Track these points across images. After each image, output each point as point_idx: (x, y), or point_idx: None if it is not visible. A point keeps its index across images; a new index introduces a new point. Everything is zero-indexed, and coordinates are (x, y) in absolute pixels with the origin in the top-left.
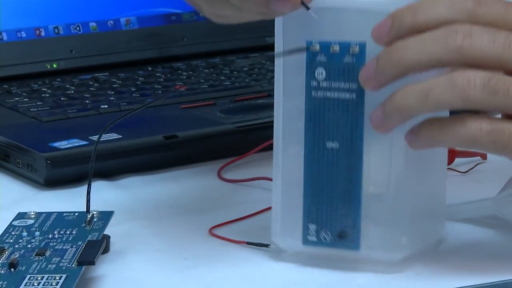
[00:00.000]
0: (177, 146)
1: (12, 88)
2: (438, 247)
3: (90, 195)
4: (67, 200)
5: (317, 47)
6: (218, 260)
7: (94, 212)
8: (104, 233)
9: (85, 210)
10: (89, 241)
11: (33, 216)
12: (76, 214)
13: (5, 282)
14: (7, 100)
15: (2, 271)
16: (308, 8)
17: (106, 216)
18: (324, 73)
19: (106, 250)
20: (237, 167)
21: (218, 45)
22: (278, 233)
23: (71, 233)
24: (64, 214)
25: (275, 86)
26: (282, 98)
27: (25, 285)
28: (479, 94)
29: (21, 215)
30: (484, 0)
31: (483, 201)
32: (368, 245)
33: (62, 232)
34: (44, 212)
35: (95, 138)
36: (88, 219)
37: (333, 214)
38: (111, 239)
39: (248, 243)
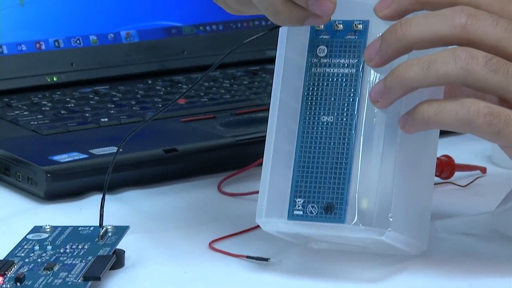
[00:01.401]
0: (177, 160)
1: (12, 101)
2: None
3: (90, 208)
4: (67, 214)
5: (321, 26)
6: (218, 274)
7: (109, 227)
8: (120, 247)
9: (89, 223)
10: (99, 256)
11: (48, 229)
12: (91, 228)
13: None
14: (8, 113)
15: (8, 286)
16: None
17: (120, 230)
18: (325, 50)
19: (120, 265)
20: (237, 180)
21: (218, 58)
22: (264, 211)
23: (83, 248)
24: (80, 229)
25: (275, 68)
26: (281, 78)
27: None
28: (480, 69)
29: (36, 229)
30: None
31: (482, 215)
32: (354, 220)
33: (74, 246)
34: (60, 226)
35: (95, 151)
36: (101, 233)
37: (321, 188)
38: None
39: (248, 257)
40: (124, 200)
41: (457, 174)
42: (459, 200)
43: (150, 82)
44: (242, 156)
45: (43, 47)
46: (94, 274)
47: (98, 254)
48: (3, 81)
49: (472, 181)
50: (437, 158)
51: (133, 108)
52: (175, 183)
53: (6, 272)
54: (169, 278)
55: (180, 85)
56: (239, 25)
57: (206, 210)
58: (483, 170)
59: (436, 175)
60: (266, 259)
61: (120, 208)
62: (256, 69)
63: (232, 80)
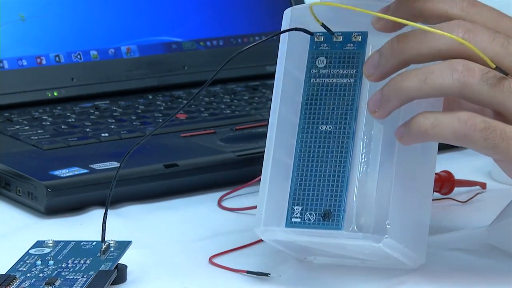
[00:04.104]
0: (177, 175)
1: (13, 116)
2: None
3: (90, 223)
4: (67, 229)
5: (321, 38)
6: None
7: (111, 242)
8: (121, 262)
9: (89, 238)
10: (100, 271)
11: (50, 244)
12: (94, 243)
13: None
14: (8, 128)
15: None
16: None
17: (123, 245)
18: (325, 61)
19: (122, 280)
20: (237, 196)
21: (218, 74)
22: (262, 219)
23: (84, 263)
24: (82, 243)
25: (275, 82)
26: (281, 92)
27: None
28: (476, 82)
29: (38, 243)
30: (478, 3)
31: (478, 230)
32: (351, 227)
33: (76, 261)
34: (62, 241)
35: (95, 166)
36: (103, 248)
37: (319, 195)
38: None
39: (248, 272)
40: (124, 215)
41: (457, 189)
42: (458, 216)
43: (150, 97)
44: (243, 171)
45: (43, 62)
46: None
47: (100, 269)
48: (3, 95)
49: (472, 197)
50: (437, 173)
51: (134, 123)
52: (175, 198)
53: (8, 287)
54: None
55: (180, 100)
56: (240, 41)
57: (206, 225)
58: (483, 185)
59: (435, 191)
60: (266, 274)
61: (121, 223)
62: (256, 84)
63: (232, 95)
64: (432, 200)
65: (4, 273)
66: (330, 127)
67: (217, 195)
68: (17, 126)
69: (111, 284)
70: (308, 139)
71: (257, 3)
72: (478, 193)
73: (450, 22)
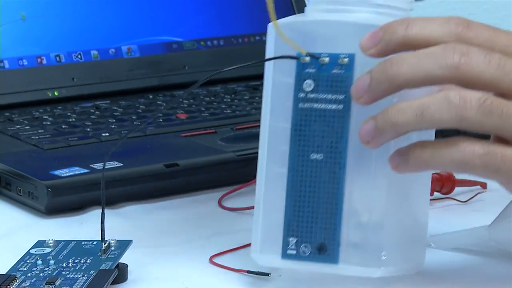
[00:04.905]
0: (177, 175)
1: (13, 116)
2: (417, 272)
3: (91, 223)
4: (68, 228)
5: (307, 59)
6: None
7: (112, 241)
8: (122, 261)
9: (90, 238)
10: (100, 270)
11: (51, 244)
12: (94, 243)
13: None
14: (9, 128)
15: None
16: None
17: (123, 245)
18: (312, 85)
19: (123, 279)
20: (238, 195)
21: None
22: (258, 248)
23: (85, 262)
24: (83, 243)
25: (262, 106)
26: (269, 118)
27: None
28: (474, 114)
29: (39, 243)
30: (474, 24)
31: (478, 229)
32: (347, 260)
33: (76, 261)
34: (63, 241)
35: (96, 166)
36: (103, 247)
37: (313, 227)
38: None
39: (249, 271)
40: (125, 215)
41: (457, 189)
42: (459, 216)
43: (151, 97)
44: (243, 171)
45: (44, 61)
46: None
47: (100, 268)
48: (4, 95)
49: (473, 197)
50: (437, 173)
51: (134, 123)
52: (176, 198)
53: (8, 287)
54: None
55: (181, 100)
56: (240, 40)
57: (207, 225)
58: (484, 185)
59: (436, 190)
60: (267, 274)
61: (121, 222)
62: (257, 84)
63: (233, 95)
64: (433, 199)
65: (4, 273)
66: (321, 156)
67: (217, 194)
68: (18, 126)
69: (112, 284)
70: (299, 168)
71: (257, 3)
72: (478, 193)
73: (445, 46)
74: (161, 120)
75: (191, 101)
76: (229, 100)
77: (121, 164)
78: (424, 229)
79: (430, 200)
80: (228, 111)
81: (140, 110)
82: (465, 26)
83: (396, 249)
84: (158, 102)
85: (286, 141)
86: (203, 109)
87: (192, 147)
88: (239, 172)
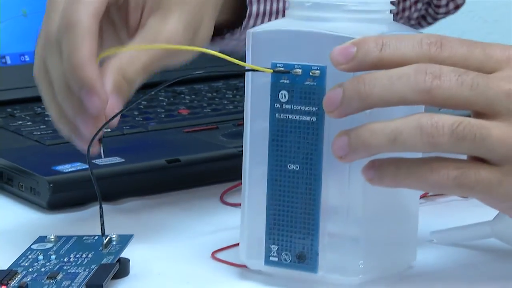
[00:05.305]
0: (179, 170)
1: (15, 112)
2: (406, 271)
3: (93, 218)
4: (70, 224)
5: (282, 69)
6: (220, 284)
7: (113, 236)
8: (124, 256)
9: (92, 233)
10: (102, 265)
11: (52, 239)
12: (96, 237)
13: None
14: (11, 124)
15: None
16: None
17: (125, 239)
18: (287, 95)
19: (125, 273)
20: (239, 191)
21: (220, 69)
22: (244, 253)
23: (86, 257)
24: (84, 238)
25: (244, 108)
26: (250, 119)
27: None
28: (447, 140)
29: (41, 239)
30: (448, 42)
31: (480, 225)
32: (326, 268)
33: (78, 255)
34: (64, 236)
35: (98, 161)
36: (104, 242)
37: (293, 236)
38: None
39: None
40: (126, 210)
41: None
42: (461, 211)
43: (153, 93)
44: None
45: None
46: (96, 282)
47: (102, 262)
48: (6, 91)
49: None
50: None
51: (136, 118)
52: (177, 194)
53: (9, 282)
54: None
55: (182, 95)
56: None
57: (209, 220)
58: None
59: None
60: None
61: (123, 218)
62: None
63: (234, 91)
64: (434, 195)
65: (6, 268)
66: (297, 167)
67: (219, 190)
68: (20, 122)
69: (113, 278)
70: (278, 177)
71: None
72: None
73: (417, 68)
74: (163, 115)
75: (193, 96)
76: (231, 96)
77: (123, 160)
78: (413, 226)
79: (432, 196)
80: (230, 106)
81: (141, 106)
82: (438, 46)
83: (376, 255)
84: (160, 98)
85: (266, 142)
86: (205, 105)
87: (194, 142)
88: (241, 168)
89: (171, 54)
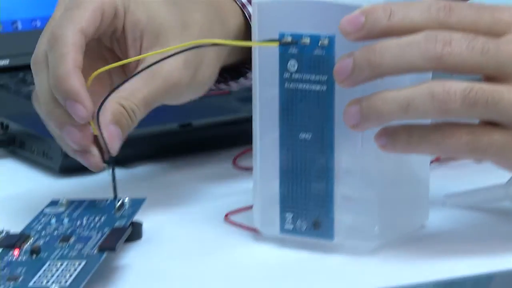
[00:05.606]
0: (192, 134)
1: (27, 77)
2: (418, 231)
3: (105, 183)
4: (82, 188)
5: (289, 39)
6: (234, 247)
7: (126, 199)
8: (137, 220)
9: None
10: (114, 228)
11: (65, 203)
12: (108, 201)
13: (24, 268)
14: (23, 89)
15: (24, 258)
16: None
17: (137, 203)
18: (296, 65)
19: (138, 237)
20: (252, 155)
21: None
22: (258, 220)
23: (99, 220)
24: (96, 202)
25: (252, 76)
26: (258, 87)
27: (44, 271)
28: (459, 106)
29: (53, 203)
30: (457, 7)
31: (493, 188)
32: (342, 235)
33: (90, 219)
34: (77, 200)
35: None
36: (117, 206)
37: (307, 204)
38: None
39: None
40: (139, 174)
41: None
42: (474, 174)
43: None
44: None
45: None
46: (109, 245)
47: (114, 226)
48: (18, 56)
49: None
50: None
51: None
52: (190, 158)
53: (22, 245)
54: (184, 252)
55: None
56: None
57: (222, 184)
58: None
59: None
60: None
61: (135, 182)
62: None
63: None
64: (447, 159)
65: (19, 232)
66: (309, 136)
67: (232, 154)
68: (32, 87)
69: (126, 241)
70: (290, 146)
71: None
72: None
73: (427, 35)
74: None
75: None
76: None
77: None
78: (425, 185)
79: (445, 159)
80: None
81: None
82: (447, 11)
83: (390, 217)
84: None
85: (276, 108)
86: None
87: (206, 107)
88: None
89: (173, 89)
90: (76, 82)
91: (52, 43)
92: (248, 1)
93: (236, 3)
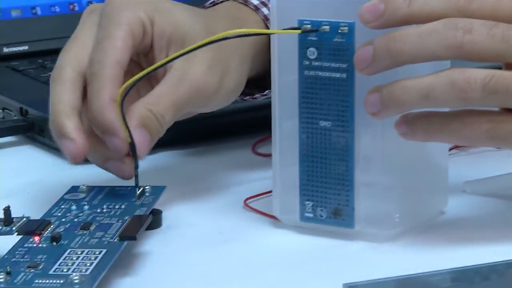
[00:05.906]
0: (211, 121)
1: (46, 63)
2: (438, 218)
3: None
4: (101, 174)
5: (309, 27)
6: (252, 234)
7: (146, 187)
8: (156, 208)
9: (124, 184)
10: (135, 216)
11: (85, 189)
12: (129, 188)
13: (45, 256)
14: (42, 75)
15: (44, 245)
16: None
17: (158, 191)
18: (315, 52)
19: (158, 225)
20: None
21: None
22: (278, 209)
23: (119, 208)
24: (117, 189)
25: (271, 63)
26: (277, 74)
27: (64, 259)
28: (479, 94)
29: (73, 189)
30: None
31: (509, 175)
32: (362, 223)
33: (111, 206)
34: (97, 186)
35: None
36: (138, 193)
37: (327, 192)
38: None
39: None
40: (158, 161)
41: None
42: (494, 161)
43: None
44: None
45: (76, 8)
46: (130, 234)
47: (135, 214)
48: (37, 42)
49: None
50: None
51: None
52: (209, 145)
53: (43, 232)
54: (204, 239)
55: None
56: None
57: (241, 171)
58: None
59: None
60: None
61: (155, 169)
62: None
63: None
64: (467, 146)
65: (39, 218)
66: (329, 124)
67: (251, 141)
68: (51, 73)
69: (146, 229)
70: (309, 134)
71: None
72: None
73: (447, 23)
74: None
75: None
76: None
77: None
78: (444, 171)
79: (465, 146)
80: None
81: None
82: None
83: (410, 204)
84: None
85: (295, 95)
86: None
87: None
88: None
89: (200, 94)
90: (111, 115)
91: (90, 80)
92: (261, 2)
93: (248, 6)
